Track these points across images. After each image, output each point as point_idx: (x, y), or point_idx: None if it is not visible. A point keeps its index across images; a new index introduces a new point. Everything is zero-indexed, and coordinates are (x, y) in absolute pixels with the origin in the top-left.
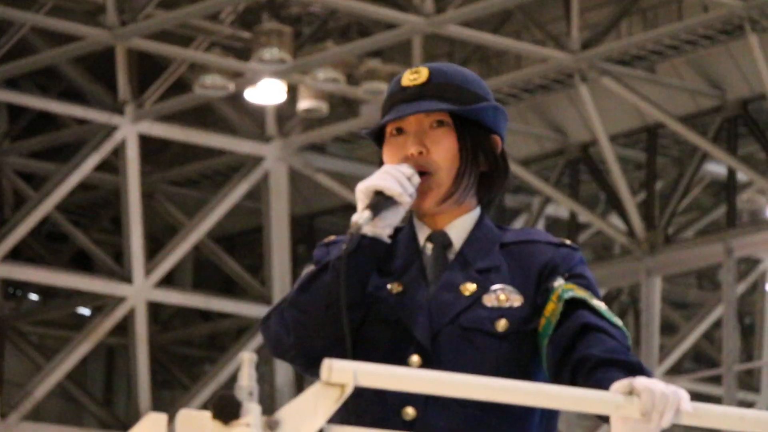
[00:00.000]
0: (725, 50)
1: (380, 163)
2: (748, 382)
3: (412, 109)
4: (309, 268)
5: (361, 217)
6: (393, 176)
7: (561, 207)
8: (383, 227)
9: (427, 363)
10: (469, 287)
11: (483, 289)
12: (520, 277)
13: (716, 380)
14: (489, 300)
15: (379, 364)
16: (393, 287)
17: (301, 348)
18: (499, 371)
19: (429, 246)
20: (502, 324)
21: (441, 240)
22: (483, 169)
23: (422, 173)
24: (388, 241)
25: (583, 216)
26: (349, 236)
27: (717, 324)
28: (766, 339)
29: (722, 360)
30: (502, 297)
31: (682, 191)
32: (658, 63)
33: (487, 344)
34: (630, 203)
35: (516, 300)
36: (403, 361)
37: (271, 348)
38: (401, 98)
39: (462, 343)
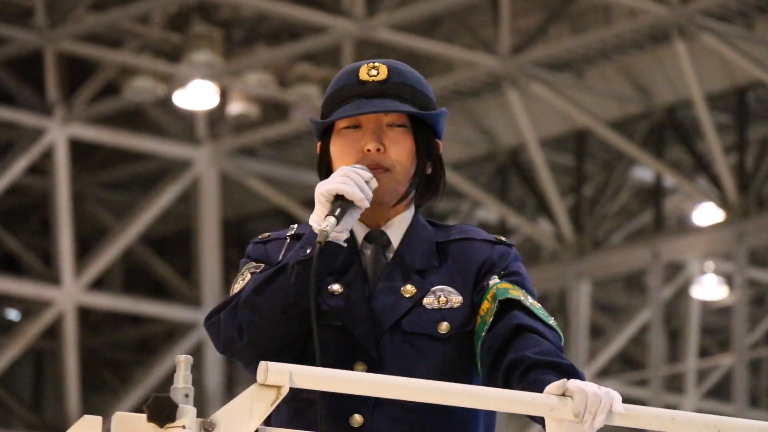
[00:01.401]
0: (653, 57)
1: (321, 157)
2: (674, 384)
3: (376, 107)
4: (249, 265)
5: (327, 223)
6: (353, 180)
7: (490, 211)
8: (341, 231)
9: (373, 369)
10: (409, 289)
11: (423, 290)
12: (459, 277)
13: (643, 383)
14: (429, 302)
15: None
16: (334, 289)
17: (254, 350)
18: (443, 373)
19: (367, 245)
20: (443, 326)
21: (380, 240)
22: (428, 172)
23: (378, 169)
24: (345, 245)
25: (512, 220)
26: (318, 245)
27: (644, 327)
28: (691, 342)
29: (649, 363)
30: (442, 298)
31: (610, 196)
32: (587, 68)
33: (430, 347)
34: (559, 207)
35: (456, 301)
36: (349, 368)
37: (220, 347)
38: (359, 93)
39: (405, 348)
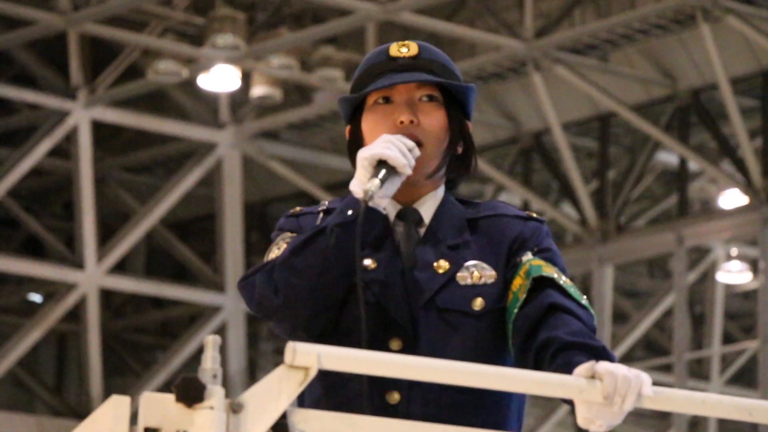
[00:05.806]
0: (677, 40)
1: (352, 138)
2: (698, 370)
3: (409, 78)
4: (283, 236)
5: (371, 185)
6: (396, 147)
7: (514, 195)
8: (382, 196)
9: (408, 346)
10: (443, 264)
11: (456, 266)
12: (491, 253)
13: (667, 368)
14: (463, 278)
15: (360, 346)
16: (368, 264)
17: (288, 311)
18: (478, 350)
19: (398, 222)
20: (478, 303)
21: (412, 217)
22: (458, 151)
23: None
24: (385, 212)
25: (536, 204)
26: (364, 203)
27: (668, 313)
28: (716, 328)
29: (673, 348)
30: (476, 274)
31: (634, 180)
32: (611, 52)
33: (464, 324)
34: (582, 192)
35: (489, 276)
36: (384, 344)
37: (254, 307)
38: (391, 68)
39: (440, 324)
